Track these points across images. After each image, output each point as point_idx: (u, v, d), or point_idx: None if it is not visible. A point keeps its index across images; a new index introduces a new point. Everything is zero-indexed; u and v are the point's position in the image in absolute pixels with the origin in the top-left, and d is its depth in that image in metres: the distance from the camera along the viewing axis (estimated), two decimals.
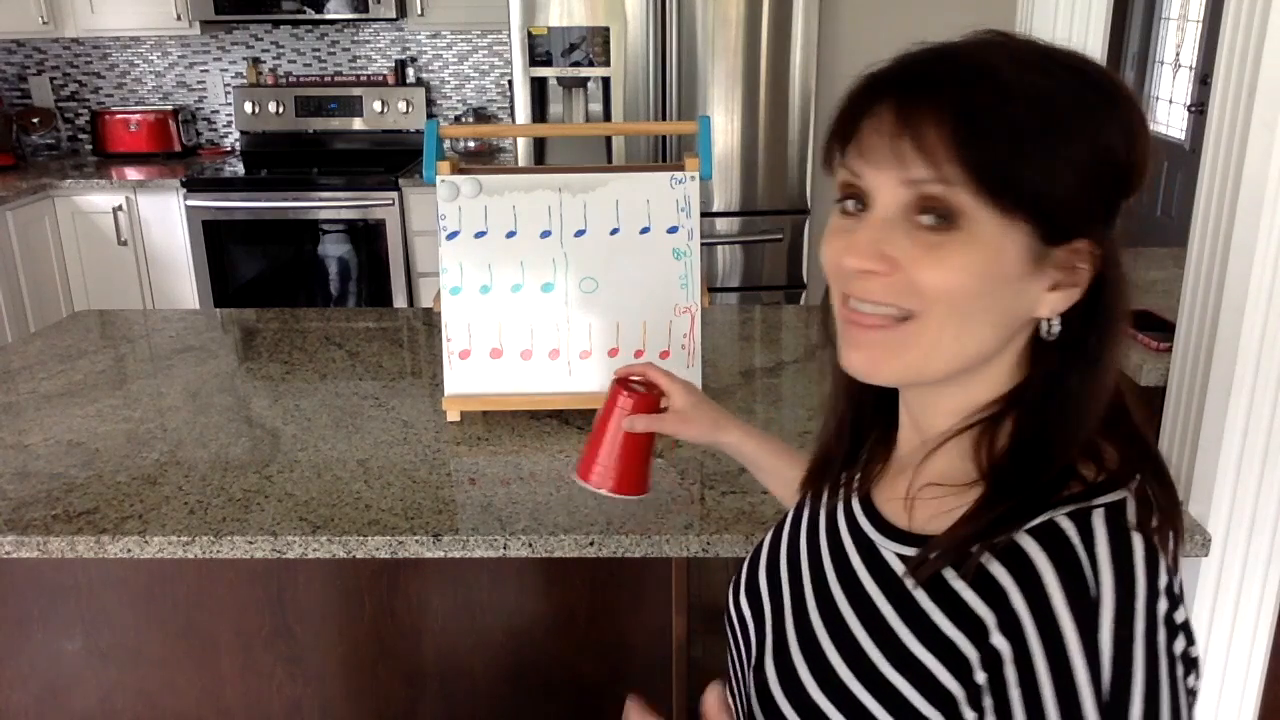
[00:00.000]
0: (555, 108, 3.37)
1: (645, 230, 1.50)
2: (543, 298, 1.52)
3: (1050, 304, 0.64)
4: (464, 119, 4.08)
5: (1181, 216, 5.36)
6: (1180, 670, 0.59)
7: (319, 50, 4.11)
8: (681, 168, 1.48)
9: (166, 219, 3.70)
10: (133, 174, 3.75)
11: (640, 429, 1.06)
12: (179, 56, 4.12)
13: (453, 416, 1.57)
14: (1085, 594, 0.58)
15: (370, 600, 1.54)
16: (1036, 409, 0.66)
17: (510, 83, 3.34)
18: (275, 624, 1.55)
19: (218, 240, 3.70)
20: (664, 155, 3.33)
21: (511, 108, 3.34)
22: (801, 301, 3.44)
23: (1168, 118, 5.78)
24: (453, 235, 1.51)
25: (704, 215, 3.21)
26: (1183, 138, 5.51)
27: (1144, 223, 6.00)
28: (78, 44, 4.09)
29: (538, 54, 3.20)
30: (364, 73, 4.13)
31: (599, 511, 1.29)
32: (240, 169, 3.90)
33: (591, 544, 1.24)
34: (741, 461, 1.13)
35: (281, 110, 4.05)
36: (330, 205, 3.66)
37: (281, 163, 4.00)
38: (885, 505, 0.74)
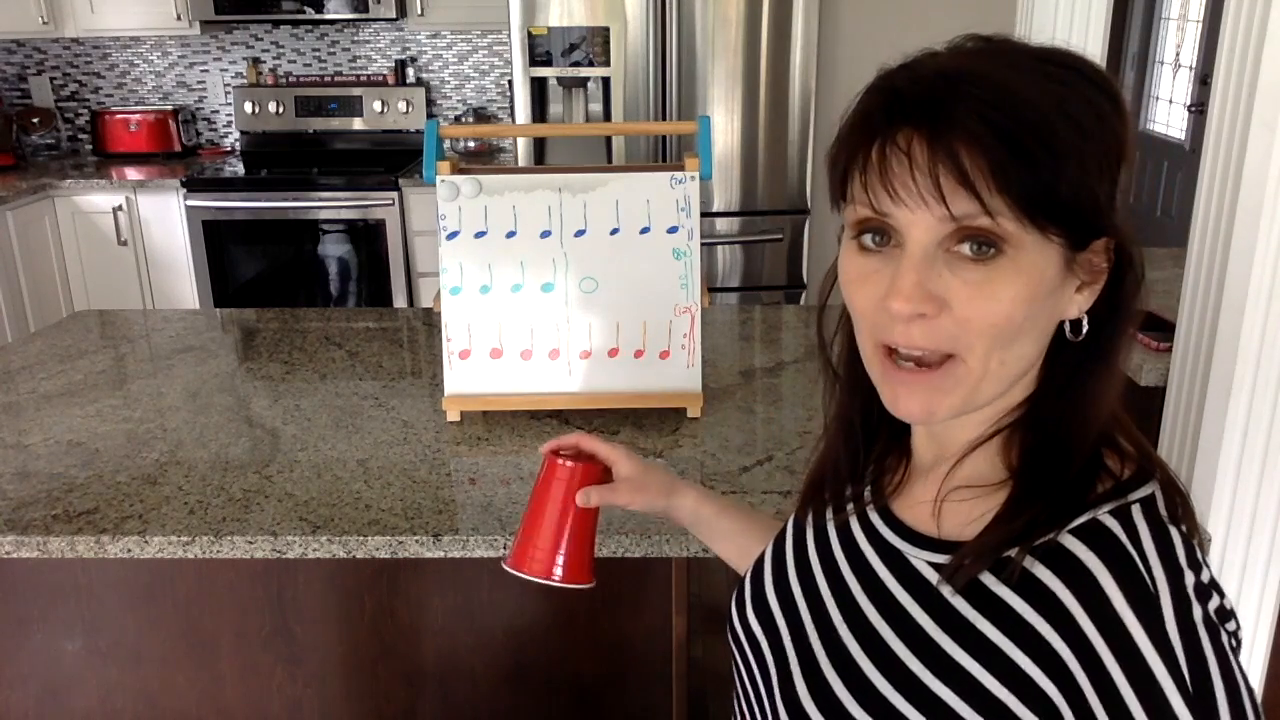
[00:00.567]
0: (555, 108, 3.38)
1: (645, 230, 1.50)
2: (543, 298, 1.52)
3: (1079, 305, 0.64)
4: (464, 119, 4.09)
5: (1181, 216, 5.36)
6: (1226, 638, 0.59)
7: (319, 50, 4.11)
8: (681, 168, 1.48)
9: (166, 219, 3.70)
10: (133, 174, 3.75)
11: (595, 503, 0.94)
12: (179, 56, 4.12)
13: (453, 416, 1.57)
14: (1146, 591, 0.57)
15: (370, 600, 1.54)
16: (1056, 407, 0.66)
17: (510, 83, 3.35)
18: (275, 624, 1.55)
19: (218, 240, 3.70)
20: (664, 155, 3.33)
21: (511, 108, 3.34)
22: (801, 301, 3.44)
23: (1168, 118, 5.78)
24: (453, 235, 1.51)
25: (704, 215, 3.21)
26: (1183, 138, 5.51)
27: (1144, 223, 6.00)
28: (78, 44, 4.09)
29: (538, 54, 3.20)
30: (364, 73, 4.13)
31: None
32: (240, 169, 3.90)
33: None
34: (693, 526, 1.03)
35: (281, 110, 4.05)
36: (330, 205, 3.66)
37: (281, 163, 4.00)
38: (907, 514, 0.73)
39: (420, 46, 4.09)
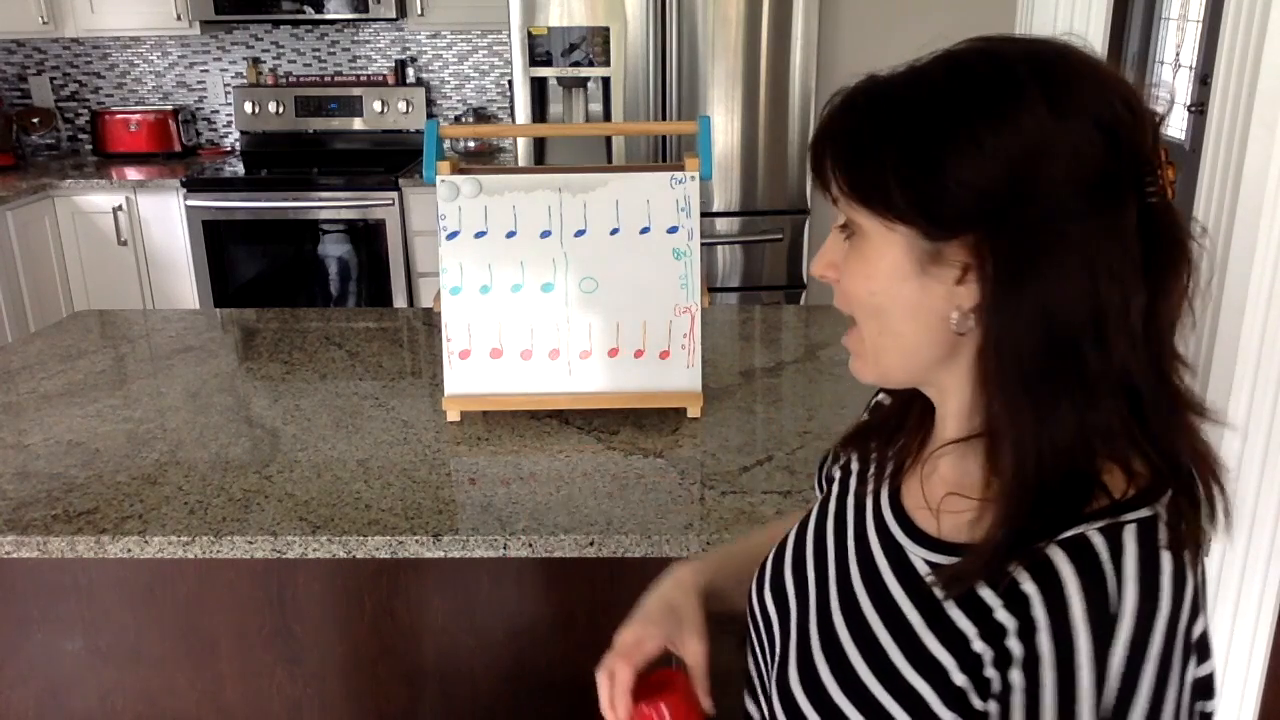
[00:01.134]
0: (555, 108, 3.38)
1: (645, 230, 1.50)
2: (543, 298, 1.52)
3: (958, 297, 0.64)
4: (464, 119, 4.09)
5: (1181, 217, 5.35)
6: (1188, 698, 0.59)
7: (319, 50, 4.11)
8: (681, 168, 1.48)
9: (166, 219, 3.70)
10: (133, 174, 3.75)
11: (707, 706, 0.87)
12: (179, 56, 4.12)
13: (453, 417, 1.57)
14: (1105, 608, 0.58)
15: (370, 600, 1.54)
16: (1009, 424, 0.64)
17: (510, 83, 3.34)
18: (275, 624, 1.55)
19: (218, 240, 3.70)
20: (664, 155, 3.33)
21: (511, 108, 3.34)
22: (801, 301, 3.44)
23: (1168, 118, 5.78)
24: (453, 235, 1.51)
25: (704, 215, 3.21)
26: (1183, 138, 5.52)
27: None
28: (78, 44, 4.09)
29: (538, 54, 3.20)
30: (364, 73, 4.13)
31: (599, 511, 1.29)
32: (240, 169, 3.90)
33: (591, 544, 1.24)
34: (726, 601, 0.97)
35: (281, 110, 4.05)
36: (330, 205, 3.66)
37: (281, 163, 4.00)
38: (914, 509, 0.75)
39: (420, 46, 4.09)
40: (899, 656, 0.68)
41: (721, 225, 3.35)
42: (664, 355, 1.54)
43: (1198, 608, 0.62)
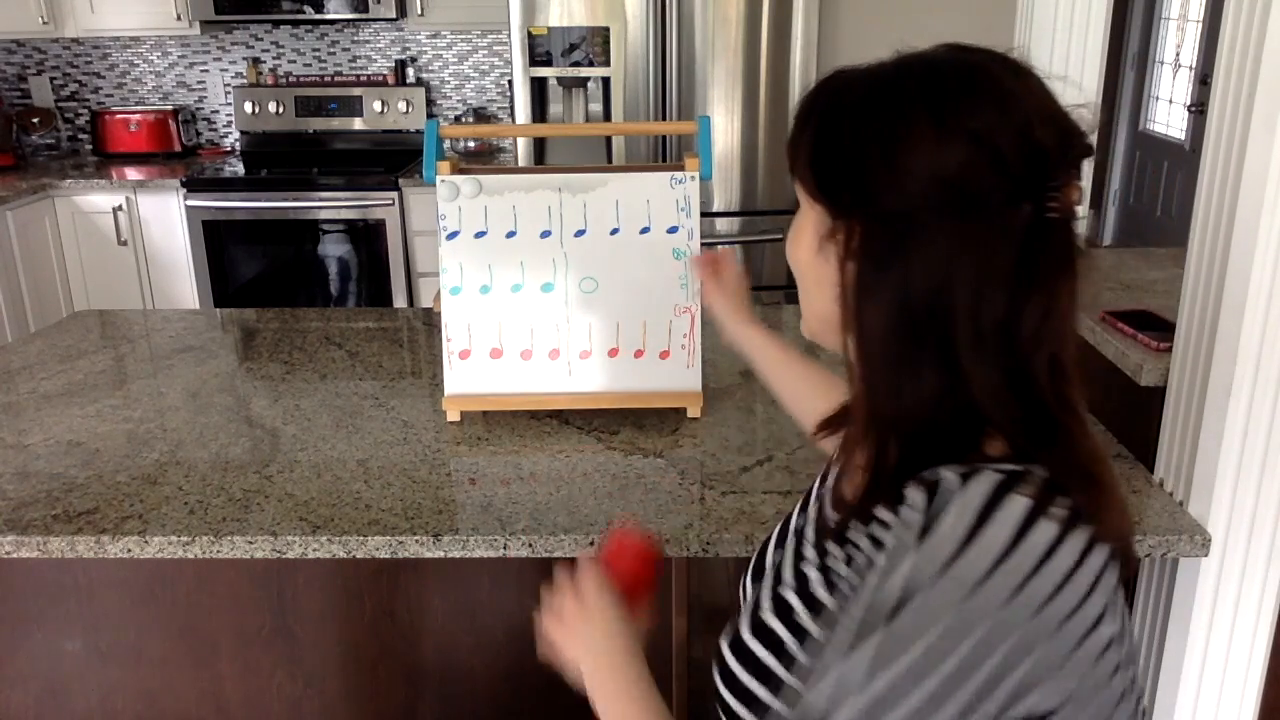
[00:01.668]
0: (555, 108, 3.37)
1: (645, 230, 1.50)
2: (543, 298, 1.52)
3: (845, 275, 0.71)
4: (464, 119, 4.09)
5: (1181, 216, 5.36)
6: (991, 664, 0.62)
7: (319, 50, 4.11)
8: (681, 168, 1.48)
9: (166, 219, 3.70)
10: (133, 174, 3.75)
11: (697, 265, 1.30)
12: (179, 56, 4.12)
13: (453, 417, 1.57)
14: (913, 529, 0.65)
15: (370, 600, 1.54)
16: (866, 396, 0.73)
17: (510, 83, 3.34)
18: (275, 624, 1.55)
19: (218, 240, 3.70)
20: (664, 155, 3.33)
21: (511, 108, 3.34)
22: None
23: (1168, 118, 5.78)
24: (453, 235, 1.51)
25: (704, 215, 3.21)
26: (1183, 138, 5.51)
27: (1144, 223, 6.00)
28: (78, 44, 4.09)
29: (538, 54, 3.20)
30: (364, 73, 4.13)
31: (599, 511, 1.29)
32: (240, 169, 3.90)
33: (591, 544, 1.24)
34: (758, 367, 1.25)
35: (281, 110, 4.05)
36: (330, 205, 3.66)
37: (281, 163, 4.00)
38: (845, 485, 0.81)
39: (420, 46, 4.09)
40: (773, 618, 0.77)
41: (721, 225, 3.35)
42: (664, 355, 1.54)
43: (1085, 591, 0.64)
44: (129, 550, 1.25)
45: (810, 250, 0.75)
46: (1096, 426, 1.53)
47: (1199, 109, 5.26)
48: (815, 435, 0.92)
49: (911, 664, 0.62)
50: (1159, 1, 5.86)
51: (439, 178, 1.49)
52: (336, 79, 4.12)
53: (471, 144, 3.97)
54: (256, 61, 4.12)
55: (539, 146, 3.36)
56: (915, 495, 0.66)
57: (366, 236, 3.69)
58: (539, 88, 3.29)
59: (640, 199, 1.49)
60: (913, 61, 0.71)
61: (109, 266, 3.74)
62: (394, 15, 3.70)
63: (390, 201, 3.63)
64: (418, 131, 4.03)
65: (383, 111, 4.04)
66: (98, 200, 3.66)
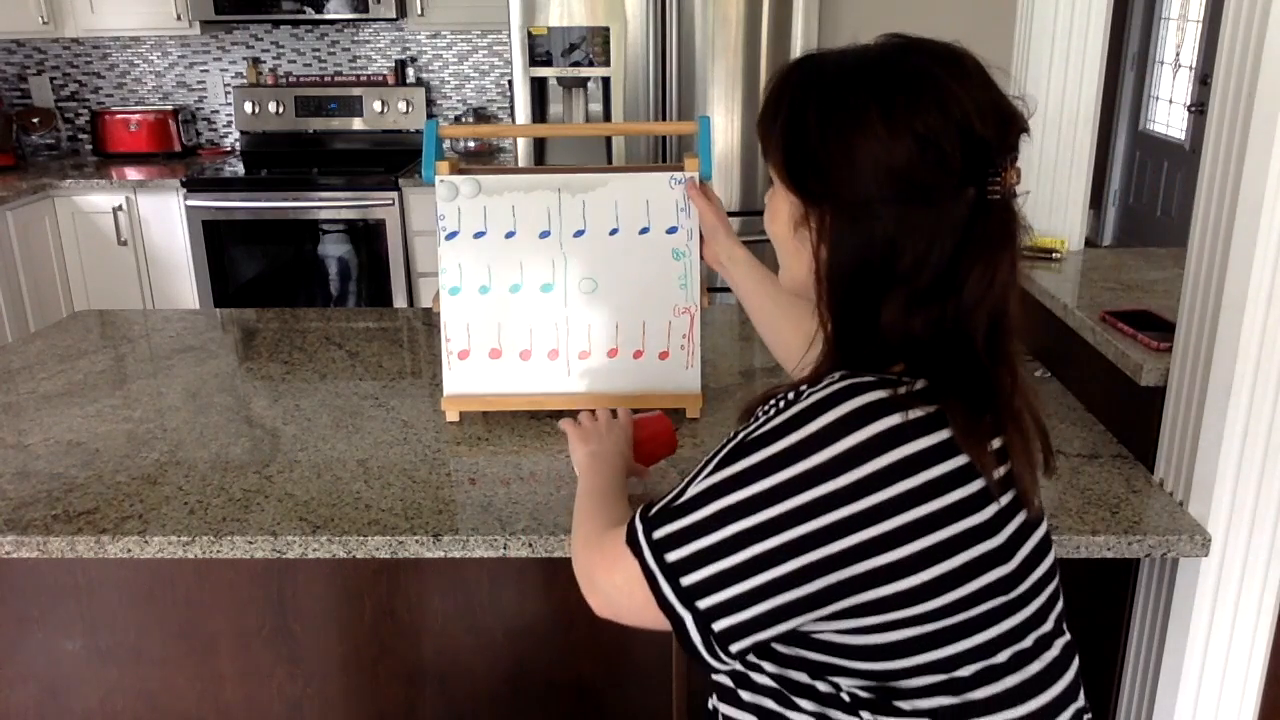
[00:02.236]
0: (555, 108, 3.37)
1: (644, 230, 1.49)
2: (542, 298, 1.52)
3: (819, 254, 0.84)
4: (464, 119, 4.09)
5: (1181, 216, 5.36)
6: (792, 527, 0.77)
7: (319, 50, 4.11)
8: (681, 168, 1.48)
9: (166, 219, 3.70)
10: (133, 174, 3.75)
11: (692, 195, 1.45)
12: (179, 56, 4.12)
13: (452, 417, 1.57)
14: (785, 409, 0.80)
15: (370, 600, 1.54)
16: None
17: (510, 83, 3.35)
18: (275, 624, 1.55)
19: (218, 240, 3.70)
20: (664, 155, 3.33)
21: (511, 108, 3.34)
22: None
23: (1168, 118, 5.78)
24: (452, 235, 1.50)
25: None
26: (1183, 138, 5.51)
27: (1144, 223, 6.00)
28: (78, 44, 4.09)
29: (538, 54, 3.20)
30: (364, 73, 4.13)
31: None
32: (240, 169, 3.90)
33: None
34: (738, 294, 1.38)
35: (281, 110, 4.05)
36: (330, 205, 3.66)
37: (281, 163, 4.00)
38: None
39: (420, 46, 4.09)
40: None
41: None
42: (663, 356, 1.53)
43: (916, 489, 0.76)
44: (129, 550, 1.25)
45: (786, 228, 0.88)
46: (1096, 426, 1.53)
47: (1199, 109, 5.26)
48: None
49: (751, 495, 0.78)
50: (1159, 1, 5.86)
51: (438, 178, 1.49)
52: (336, 79, 4.13)
53: (471, 144, 3.97)
54: (256, 61, 4.12)
55: (539, 146, 3.36)
56: (805, 386, 0.82)
57: (366, 236, 3.69)
58: (539, 88, 3.29)
59: (639, 199, 1.48)
60: (869, 61, 0.82)
61: (109, 266, 3.74)
62: (394, 15, 3.70)
63: (390, 201, 3.63)
64: (418, 131, 4.03)
65: (383, 111, 4.04)
66: (98, 200, 3.66)
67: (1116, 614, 1.49)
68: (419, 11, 3.75)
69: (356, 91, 4.05)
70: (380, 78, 4.11)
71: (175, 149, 4.07)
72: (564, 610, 1.54)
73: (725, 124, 3.26)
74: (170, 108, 4.08)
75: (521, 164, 3.39)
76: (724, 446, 0.84)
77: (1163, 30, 5.88)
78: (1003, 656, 0.83)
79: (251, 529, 1.26)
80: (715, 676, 0.93)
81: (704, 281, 1.57)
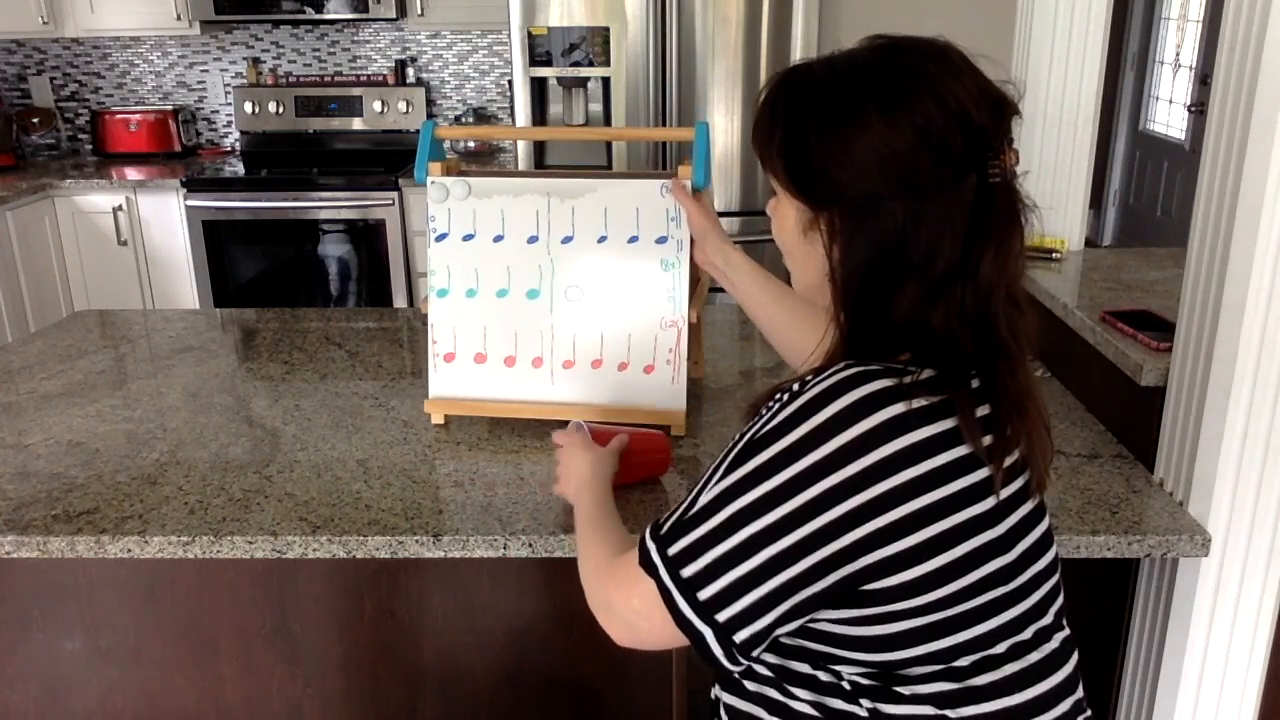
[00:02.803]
0: (555, 108, 3.37)
1: (633, 239, 1.45)
2: (528, 304, 1.48)
3: (832, 257, 0.84)
4: (464, 119, 4.09)
5: (1181, 216, 5.36)
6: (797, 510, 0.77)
7: (319, 50, 4.11)
8: (676, 175, 1.43)
9: (166, 219, 3.70)
10: (133, 174, 3.75)
11: (676, 195, 1.41)
12: (179, 56, 4.12)
13: (437, 420, 1.56)
14: (789, 402, 0.81)
15: (370, 600, 1.54)
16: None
17: (510, 83, 3.35)
18: (275, 624, 1.55)
19: (218, 240, 3.70)
20: (664, 157, 3.33)
21: (511, 108, 3.34)
22: None
23: (1168, 118, 5.78)
24: (441, 237, 1.48)
25: None
26: (1183, 138, 5.51)
27: (1144, 223, 6.00)
28: (78, 44, 4.09)
29: (538, 54, 3.20)
30: (364, 73, 4.13)
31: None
32: (240, 169, 3.90)
33: None
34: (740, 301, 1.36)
35: (281, 110, 4.05)
36: (330, 205, 3.66)
37: (281, 163, 4.00)
38: None
39: (420, 46, 4.09)
40: None
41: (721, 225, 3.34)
42: (648, 370, 1.48)
43: (921, 477, 0.76)
44: (129, 550, 1.25)
45: (795, 234, 0.88)
46: (1096, 426, 1.53)
47: (1199, 109, 5.26)
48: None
49: (759, 497, 0.78)
50: (1159, 1, 5.86)
51: (429, 179, 1.47)
52: (336, 79, 4.13)
53: (471, 144, 3.97)
54: (256, 61, 4.12)
55: (539, 147, 3.36)
56: (810, 377, 0.82)
57: (366, 236, 3.69)
58: (539, 88, 3.29)
59: (629, 207, 1.44)
60: (859, 64, 0.83)
61: (109, 266, 3.74)
62: (394, 15, 3.70)
63: (390, 201, 3.63)
64: (417, 132, 4.02)
65: (383, 111, 4.04)
66: (98, 200, 3.66)
67: (1116, 614, 1.49)
68: (419, 11, 3.75)
69: (356, 91, 4.05)
70: (380, 78, 4.11)
71: (175, 149, 4.07)
72: (564, 610, 1.54)
73: (725, 125, 3.26)
74: (170, 108, 4.08)
75: (521, 165, 3.39)
76: (732, 448, 0.85)
77: (1163, 30, 5.88)
78: (1001, 647, 0.83)
79: (251, 529, 1.26)
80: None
81: (704, 285, 1.55)
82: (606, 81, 3.22)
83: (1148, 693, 1.44)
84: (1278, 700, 1.43)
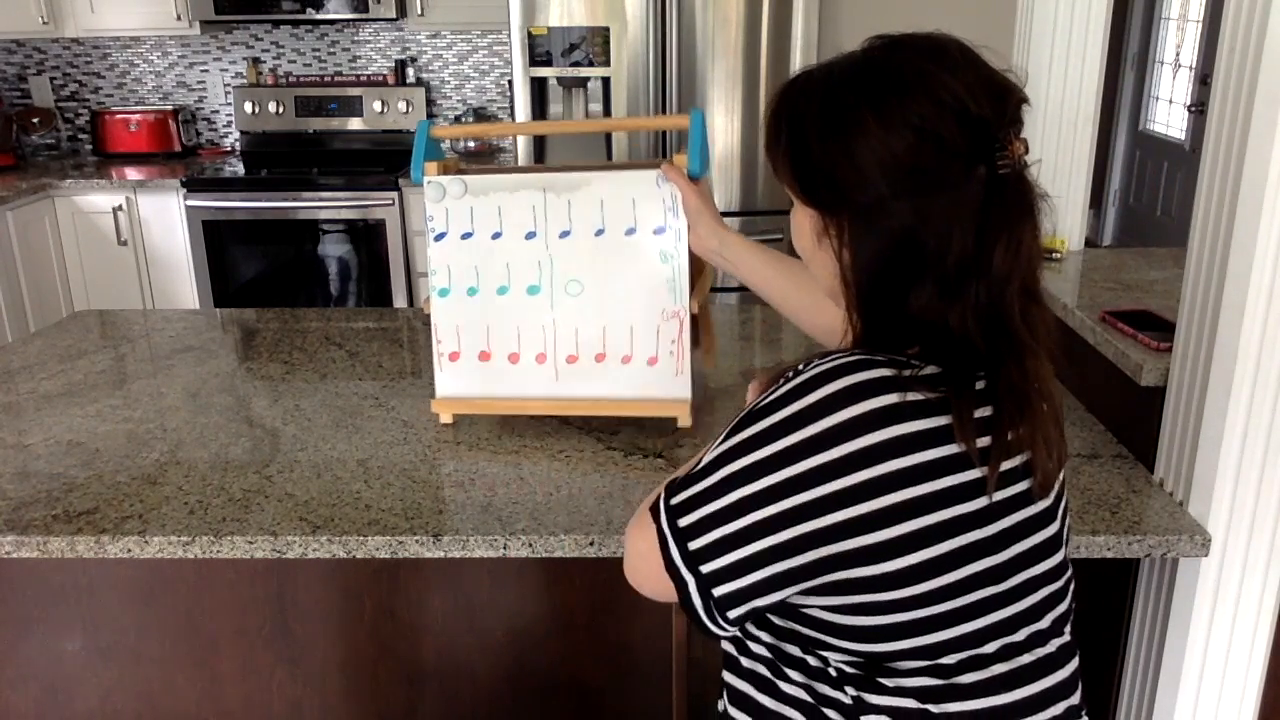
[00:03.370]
0: (555, 108, 3.37)
1: (630, 231, 1.44)
2: (529, 300, 1.48)
3: (843, 260, 0.84)
4: (464, 119, 4.09)
5: (1181, 216, 5.36)
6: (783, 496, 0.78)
7: (319, 50, 4.11)
8: (670, 162, 1.42)
9: (166, 219, 3.70)
10: (133, 174, 3.75)
11: (670, 176, 1.39)
12: (179, 56, 4.12)
13: (445, 419, 1.56)
14: (783, 384, 0.82)
15: (370, 600, 1.54)
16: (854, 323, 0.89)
17: (510, 83, 3.34)
18: (275, 624, 1.55)
19: (218, 240, 3.70)
20: (665, 154, 3.33)
21: (511, 108, 3.34)
22: None
23: (1168, 118, 5.78)
24: (440, 236, 1.48)
25: None
26: (1183, 138, 5.51)
27: (1144, 223, 6.00)
28: (78, 44, 4.09)
29: (538, 54, 3.20)
30: (364, 73, 4.13)
31: (599, 511, 1.29)
32: (240, 169, 3.90)
33: (591, 544, 1.24)
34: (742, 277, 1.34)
35: (281, 110, 4.05)
36: (330, 205, 3.66)
37: (281, 163, 4.00)
38: None
39: (420, 46, 4.09)
40: None
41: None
42: (652, 361, 1.48)
43: (893, 451, 0.77)
44: (129, 550, 1.25)
45: (811, 241, 0.88)
46: (1096, 426, 1.53)
47: (1199, 109, 5.26)
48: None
49: (752, 463, 0.80)
50: (1159, 1, 5.86)
51: (425, 179, 1.46)
52: (336, 79, 4.13)
53: (471, 144, 3.97)
54: (256, 61, 4.12)
55: (538, 147, 3.36)
56: (816, 359, 0.83)
57: (366, 236, 3.69)
58: (539, 88, 3.29)
59: (625, 198, 1.43)
60: (855, 66, 0.84)
61: (109, 266, 3.74)
62: (394, 15, 3.70)
63: (390, 201, 3.63)
64: None
65: (383, 111, 4.04)
66: (98, 200, 3.66)
67: (1116, 614, 1.49)
68: (419, 11, 3.75)
69: (356, 91, 4.05)
70: (380, 78, 4.11)
71: (175, 149, 4.07)
72: (564, 610, 1.54)
73: (725, 124, 3.26)
74: (170, 108, 4.08)
75: (521, 163, 3.39)
76: (739, 413, 0.87)
77: (1163, 30, 5.88)
78: (990, 647, 0.83)
79: (251, 529, 1.26)
80: (722, 645, 0.96)
81: (706, 278, 1.54)
82: (606, 82, 3.22)
83: (1148, 693, 1.44)
84: (1278, 700, 1.43)
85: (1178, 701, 1.39)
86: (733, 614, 0.83)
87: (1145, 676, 1.45)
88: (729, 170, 3.31)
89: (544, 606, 1.54)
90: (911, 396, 0.78)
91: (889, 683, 0.83)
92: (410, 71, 4.10)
